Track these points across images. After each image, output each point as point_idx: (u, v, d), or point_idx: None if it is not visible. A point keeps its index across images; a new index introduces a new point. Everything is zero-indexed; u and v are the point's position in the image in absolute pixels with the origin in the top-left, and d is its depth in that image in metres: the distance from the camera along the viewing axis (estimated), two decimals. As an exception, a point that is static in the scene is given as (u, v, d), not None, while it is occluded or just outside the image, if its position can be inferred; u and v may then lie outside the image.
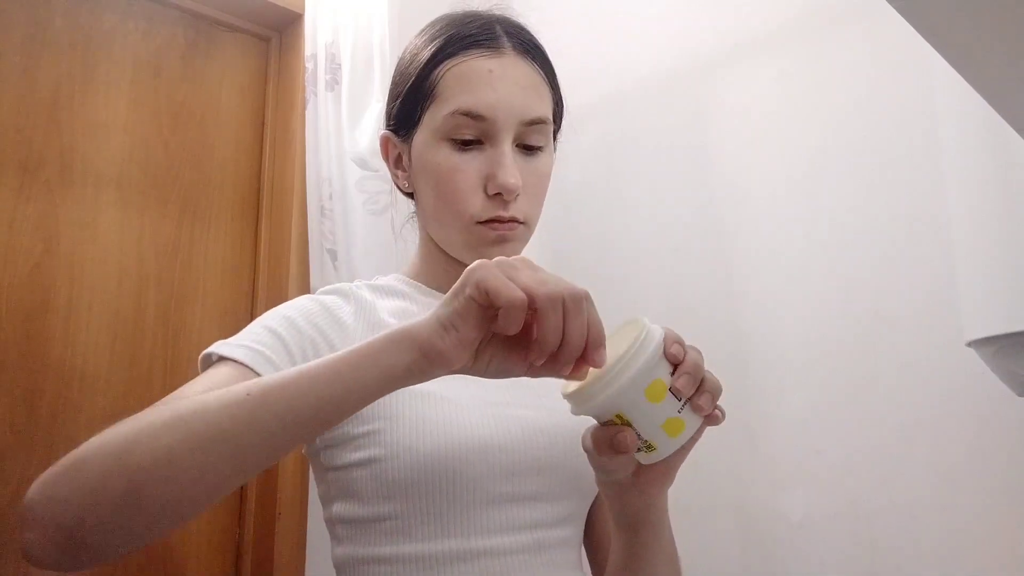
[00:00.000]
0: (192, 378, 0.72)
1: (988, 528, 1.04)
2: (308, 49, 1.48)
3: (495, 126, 0.75)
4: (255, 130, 1.58)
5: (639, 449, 0.59)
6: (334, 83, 1.45)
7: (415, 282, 0.84)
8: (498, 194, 0.75)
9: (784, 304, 1.28)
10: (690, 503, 1.32)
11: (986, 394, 1.04)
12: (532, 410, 0.75)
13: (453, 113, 0.75)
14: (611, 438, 0.58)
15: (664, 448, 0.58)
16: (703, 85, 1.47)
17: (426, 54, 0.78)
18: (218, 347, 0.73)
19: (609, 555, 0.76)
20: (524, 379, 0.74)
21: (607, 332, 0.56)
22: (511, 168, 0.75)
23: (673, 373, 0.58)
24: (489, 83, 0.75)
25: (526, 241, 0.81)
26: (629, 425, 0.57)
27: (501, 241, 0.77)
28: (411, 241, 0.91)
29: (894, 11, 0.39)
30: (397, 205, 1.42)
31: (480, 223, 0.76)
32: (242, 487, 1.42)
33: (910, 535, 1.10)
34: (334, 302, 0.77)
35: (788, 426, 1.24)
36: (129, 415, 0.58)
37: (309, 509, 1.38)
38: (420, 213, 0.84)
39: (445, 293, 0.81)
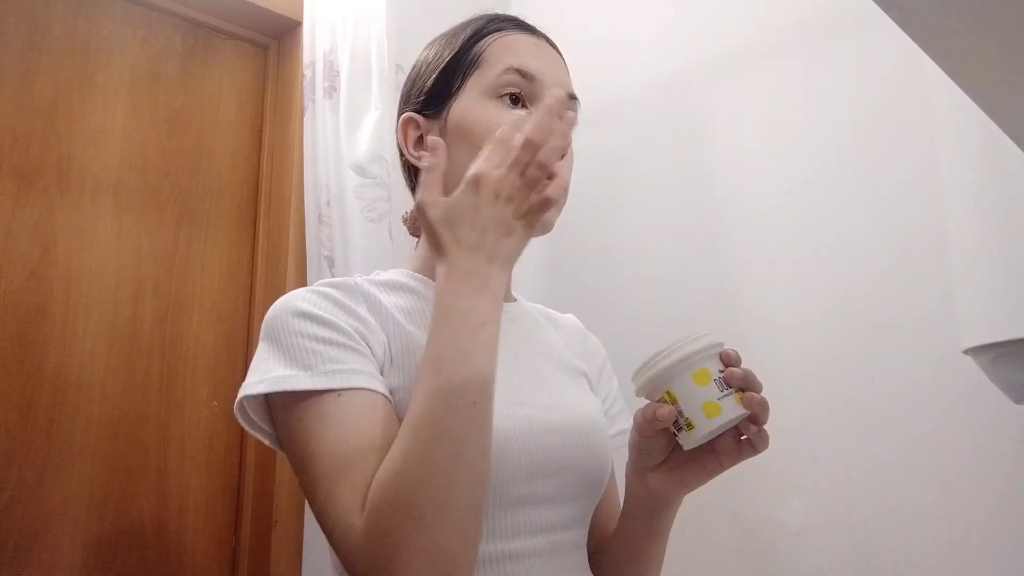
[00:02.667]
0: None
1: (986, 536, 1.04)
2: (306, 57, 1.48)
3: (543, 88, 0.77)
4: (253, 137, 1.59)
5: (680, 428, 0.68)
6: (332, 90, 1.46)
7: (421, 276, 0.81)
8: None
9: (781, 312, 1.29)
10: (687, 511, 1.31)
11: (984, 402, 1.04)
12: (543, 410, 0.75)
13: (507, 70, 0.77)
14: (654, 409, 0.68)
15: (701, 427, 0.67)
16: (701, 95, 1.48)
17: (466, 33, 0.81)
18: (296, 384, 0.65)
19: (611, 535, 0.82)
20: (534, 376, 0.74)
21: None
22: None
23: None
24: (536, 54, 0.79)
25: (560, 210, 0.80)
26: (675, 403, 0.68)
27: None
28: (413, 245, 0.91)
29: (891, 21, 0.39)
30: (395, 212, 1.42)
31: None
32: (238, 495, 1.42)
33: (908, 543, 1.10)
34: (338, 298, 0.72)
35: (786, 435, 1.24)
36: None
37: (306, 516, 1.37)
38: None
39: None
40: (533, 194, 0.64)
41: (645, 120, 1.57)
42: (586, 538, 0.80)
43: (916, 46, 0.41)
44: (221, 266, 1.48)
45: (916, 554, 1.09)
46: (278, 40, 1.63)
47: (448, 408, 0.59)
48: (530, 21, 0.87)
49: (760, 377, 1.32)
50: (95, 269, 1.31)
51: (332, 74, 1.46)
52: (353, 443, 0.62)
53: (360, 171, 1.41)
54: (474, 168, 0.65)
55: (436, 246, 0.66)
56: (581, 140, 1.72)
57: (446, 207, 0.65)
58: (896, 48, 1.16)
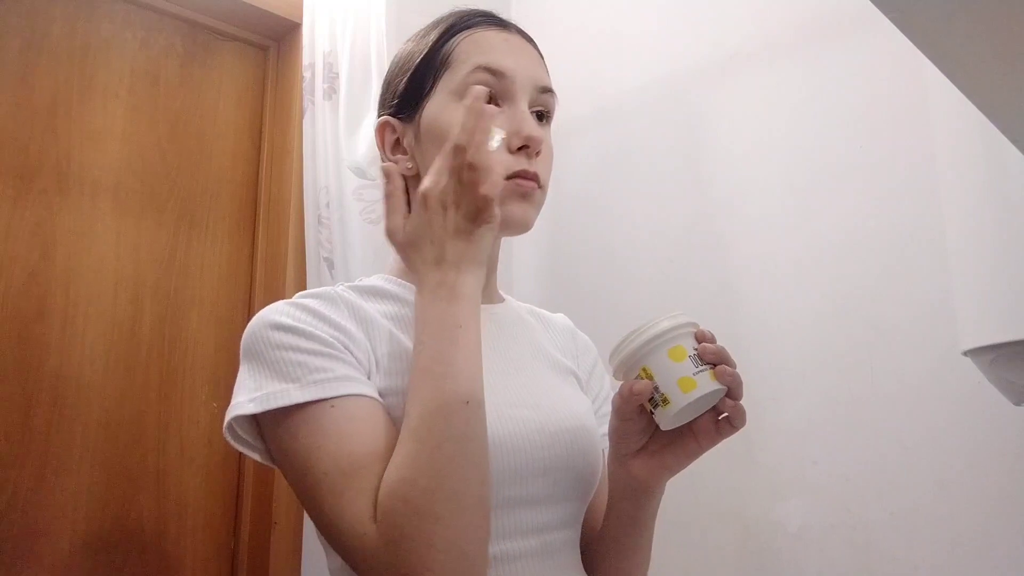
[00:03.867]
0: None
1: (985, 538, 1.04)
2: (306, 58, 1.48)
3: (514, 85, 0.76)
4: (252, 139, 1.59)
5: (656, 405, 0.69)
6: (332, 92, 1.46)
7: (403, 281, 0.81)
8: (522, 148, 0.75)
9: (780, 314, 1.29)
10: (688, 513, 1.31)
11: (983, 403, 1.04)
12: (533, 410, 0.75)
13: (475, 69, 0.76)
14: (631, 385, 0.69)
15: (677, 402, 0.68)
16: (698, 96, 1.48)
17: (435, 34, 0.80)
18: (287, 398, 0.65)
19: (598, 530, 0.82)
20: (523, 376, 0.75)
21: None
22: (534, 123, 0.77)
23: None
24: (506, 50, 0.78)
25: (540, 207, 0.79)
26: (652, 379, 0.69)
27: (526, 196, 0.76)
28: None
29: (889, 22, 0.39)
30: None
31: (507, 177, 0.74)
32: (238, 496, 1.41)
33: (907, 545, 1.10)
34: (317, 308, 0.71)
35: (785, 436, 1.24)
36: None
37: (305, 518, 1.37)
38: None
39: None
40: (473, 195, 0.66)
41: (644, 121, 1.57)
42: (578, 538, 0.80)
43: (913, 46, 0.41)
44: (220, 268, 1.48)
45: (915, 555, 1.09)
46: (277, 42, 1.63)
47: (443, 412, 0.61)
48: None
49: (760, 378, 1.32)
50: (94, 270, 1.31)
51: (331, 75, 1.46)
52: (354, 452, 0.63)
53: (359, 173, 1.41)
54: (421, 186, 0.68)
55: (409, 267, 0.71)
56: (581, 140, 1.73)
57: (407, 230, 0.70)
58: (895, 49, 1.16)
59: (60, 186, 1.30)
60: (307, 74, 1.47)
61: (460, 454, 0.60)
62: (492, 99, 0.76)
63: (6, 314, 1.21)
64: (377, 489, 0.61)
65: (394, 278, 0.82)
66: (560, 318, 0.96)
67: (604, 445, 0.83)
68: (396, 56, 0.84)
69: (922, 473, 1.10)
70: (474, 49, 0.77)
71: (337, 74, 1.47)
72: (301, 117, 1.48)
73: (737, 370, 0.70)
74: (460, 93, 0.75)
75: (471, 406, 0.62)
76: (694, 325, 0.72)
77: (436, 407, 0.61)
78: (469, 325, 0.65)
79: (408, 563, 0.57)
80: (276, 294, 1.45)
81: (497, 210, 0.67)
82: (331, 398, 0.64)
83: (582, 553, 0.81)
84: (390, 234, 0.72)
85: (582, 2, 1.74)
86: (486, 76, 0.75)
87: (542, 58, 0.83)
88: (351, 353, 0.69)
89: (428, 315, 0.66)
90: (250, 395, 0.66)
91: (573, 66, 1.65)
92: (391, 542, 0.58)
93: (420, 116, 0.78)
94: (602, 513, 0.83)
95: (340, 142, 1.42)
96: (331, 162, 1.42)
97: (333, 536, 0.62)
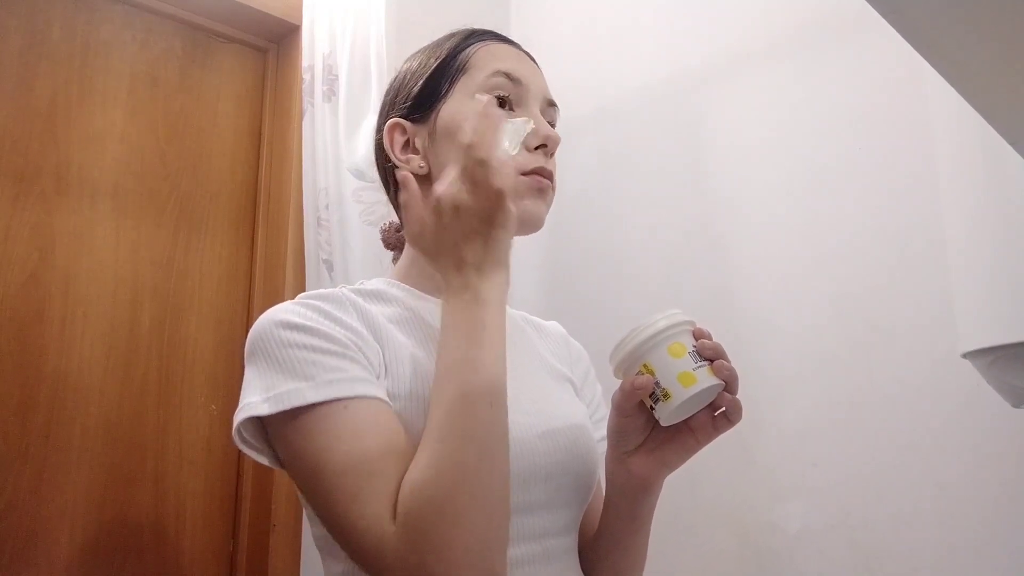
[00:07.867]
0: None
1: (985, 540, 1.04)
2: (305, 60, 1.48)
3: (528, 92, 0.80)
4: (252, 140, 1.59)
5: (656, 400, 0.70)
6: (331, 94, 1.46)
7: (404, 285, 0.81)
8: (540, 147, 0.78)
9: (780, 315, 1.29)
10: (687, 516, 1.31)
11: (982, 405, 1.04)
12: (532, 416, 0.75)
13: (495, 73, 0.79)
14: (632, 380, 0.70)
15: (678, 396, 0.69)
16: (699, 97, 1.48)
17: (452, 42, 0.83)
18: (301, 398, 0.63)
19: (595, 532, 0.83)
20: (521, 382, 0.75)
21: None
22: (549, 125, 0.80)
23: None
24: (519, 61, 0.83)
25: (550, 206, 0.82)
26: (652, 375, 0.70)
27: (542, 192, 0.79)
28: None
29: (888, 24, 0.39)
30: (394, 216, 1.42)
31: (524, 174, 0.77)
32: (236, 499, 1.41)
33: (906, 546, 1.10)
34: (327, 309, 0.70)
35: (784, 438, 1.24)
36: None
37: (304, 521, 1.37)
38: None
39: (437, 296, 0.80)
40: (486, 191, 0.65)
41: (645, 121, 1.57)
42: (576, 544, 0.80)
43: (913, 49, 0.41)
44: (219, 270, 1.48)
45: (914, 557, 1.09)
46: (277, 44, 1.63)
47: (467, 413, 0.61)
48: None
49: (759, 380, 1.32)
50: (93, 272, 1.31)
51: (331, 77, 1.46)
52: (369, 452, 0.62)
53: (359, 174, 1.41)
54: (434, 191, 0.68)
55: (437, 272, 0.70)
56: (581, 140, 1.73)
57: (426, 238, 0.69)
58: (895, 51, 1.16)
59: (59, 188, 1.30)
60: (306, 76, 1.47)
61: (483, 454, 0.60)
62: (507, 104, 0.80)
63: (5, 316, 1.21)
64: (394, 490, 0.60)
65: (396, 281, 0.82)
66: (553, 325, 0.96)
67: (601, 450, 0.83)
68: (406, 66, 0.86)
69: (922, 475, 1.10)
70: (491, 57, 0.81)
71: (336, 76, 1.47)
72: (300, 119, 1.48)
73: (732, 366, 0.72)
74: (479, 94, 0.78)
75: (495, 408, 0.62)
76: (691, 323, 0.73)
77: (461, 408, 0.61)
78: (493, 328, 0.65)
79: (430, 561, 0.57)
80: (275, 296, 1.45)
81: (512, 206, 0.66)
82: (345, 398, 0.64)
83: (579, 556, 0.81)
84: (413, 242, 0.72)
85: (582, 2, 1.74)
86: (505, 81, 0.79)
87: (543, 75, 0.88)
88: (363, 354, 0.68)
89: (452, 319, 0.66)
90: (262, 395, 0.64)
91: (573, 66, 1.65)
92: (413, 540, 0.57)
93: (436, 117, 0.80)
94: (598, 516, 0.83)
95: (340, 144, 1.42)
96: (331, 164, 1.42)
97: (348, 538, 0.61)
